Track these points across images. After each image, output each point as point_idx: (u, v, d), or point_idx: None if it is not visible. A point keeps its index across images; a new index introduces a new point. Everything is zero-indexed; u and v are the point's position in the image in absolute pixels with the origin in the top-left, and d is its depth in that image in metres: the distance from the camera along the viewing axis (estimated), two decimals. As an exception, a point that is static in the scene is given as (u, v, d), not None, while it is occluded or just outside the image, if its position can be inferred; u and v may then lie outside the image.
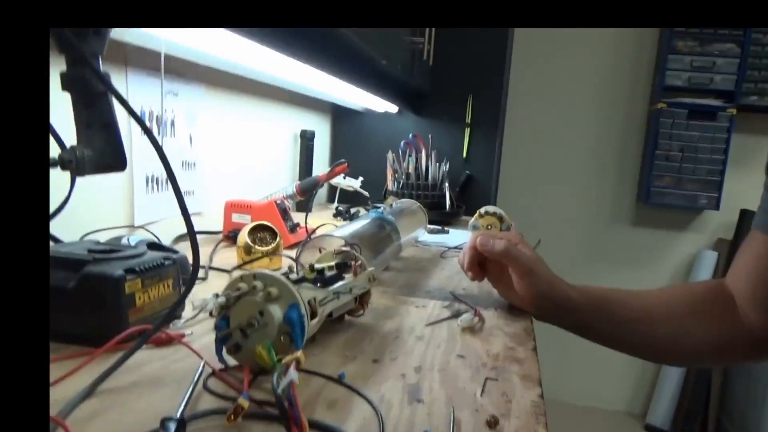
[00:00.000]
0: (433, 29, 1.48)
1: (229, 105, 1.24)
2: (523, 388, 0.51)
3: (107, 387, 0.43)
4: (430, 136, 1.67)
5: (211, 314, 0.46)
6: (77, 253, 0.53)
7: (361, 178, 1.69)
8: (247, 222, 1.02)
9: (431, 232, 1.31)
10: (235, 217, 1.04)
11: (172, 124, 0.97)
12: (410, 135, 1.65)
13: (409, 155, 1.57)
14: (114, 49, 0.80)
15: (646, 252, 2.62)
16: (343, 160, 1.19)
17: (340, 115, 1.95)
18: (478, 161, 1.87)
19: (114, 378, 0.44)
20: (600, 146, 2.59)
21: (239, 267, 0.84)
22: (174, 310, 0.47)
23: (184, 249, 0.95)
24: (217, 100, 1.18)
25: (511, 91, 2.42)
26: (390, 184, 1.59)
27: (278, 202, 1.04)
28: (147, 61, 0.88)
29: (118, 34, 0.74)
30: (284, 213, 1.04)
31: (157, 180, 0.95)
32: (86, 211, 0.82)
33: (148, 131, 0.39)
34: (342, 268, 0.62)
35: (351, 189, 1.68)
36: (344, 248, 0.66)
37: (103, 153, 0.40)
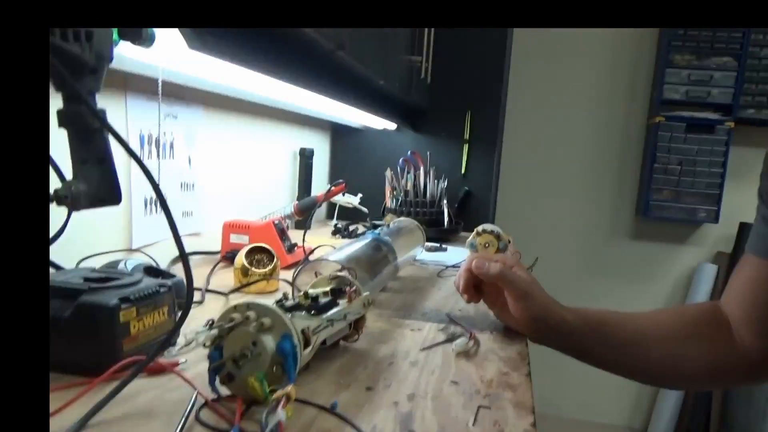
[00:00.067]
0: (431, 47, 1.49)
1: (228, 126, 1.25)
2: (516, 416, 0.51)
3: (99, 420, 0.43)
4: (428, 153, 1.68)
5: (204, 345, 0.46)
6: (73, 282, 0.53)
7: (360, 195, 1.69)
8: (245, 242, 1.03)
9: (429, 249, 1.31)
10: (233, 238, 1.04)
11: (171, 146, 0.98)
12: (408, 152, 1.66)
13: (408, 172, 1.57)
14: (114, 75, 0.81)
15: (645, 265, 2.62)
16: (341, 180, 1.20)
17: (339, 133, 1.96)
18: (477, 177, 1.88)
19: (106, 410, 0.44)
20: (599, 160, 2.60)
21: (236, 290, 0.85)
22: (167, 341, 0.48)
23: (182, 271, 0.96)
24: (216, 121, 1.19)
25: (510, 106, 2.44)
26: (389, 202, 1.60)
27: (276, 222, 1.05)
28: (146, 86, 0.89)
29: (118, 63, 0.75)
30: (282, 233, 1.05)
31: (155, 202, 0.96)
32: (84, 234, 0.83)
33: (139, 162, 0.39)
34: (337, 293, 0.62)
35: (350, 206, 1.68)
36: (339, 273, 0.67)
37: (98, 188, 0.41)
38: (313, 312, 0.56)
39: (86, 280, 0.55)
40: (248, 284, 0.85)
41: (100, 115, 0.40)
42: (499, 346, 0.71)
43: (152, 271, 0.74)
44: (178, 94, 1.00)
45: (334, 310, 0.58)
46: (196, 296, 0.81)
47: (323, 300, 0.60)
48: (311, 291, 0.62)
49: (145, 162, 0.93)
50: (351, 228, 1.54)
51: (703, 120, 2.35)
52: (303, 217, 1.20)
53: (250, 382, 0.45)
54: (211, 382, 0.48)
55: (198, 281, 0.89)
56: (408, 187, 1.55)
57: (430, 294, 0.95)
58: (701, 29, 2.30)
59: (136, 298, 0.53)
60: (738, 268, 0.69)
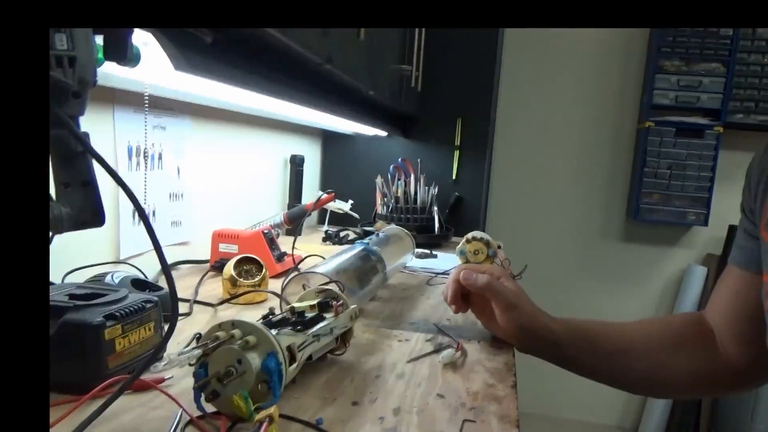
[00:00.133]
0: (422, 55, 1.50)
1: (217, 135, 1.25)
2: (501, 430, 0.51)
3: (85, 439, 0.44)
4: (419, 160, 1.68)
5: (189, 364, 0.47)
6: (58, 299, 0.53)
7: (351, 201, 1.70)
8: (235, 251, 1.03)
9: (419, 256, 1.32)
10: (222, 247, 1.04)
11: (160, 156, 0.98)
12: (399, 159, 1.67)
13: (399, 179, 1.58)
14: (101, 89, 0.81)
15: (636, 267, 2.64)
16: (330, 190, 1.20)
17: (330, 139, 1.96)
18: (468, 182, 1.89)
19: (92, 428, 0.44)
20: (589, 164, 2.62)
21: (225, 302, 0.85)
22: (152, 359, 0.48)
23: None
24: (205, 131, 1.19)
25: (500, 112, 2.45)
26: (379, 208, 1.60)
27: (265, 231, 1.05)
28: (134, 99, 0.89)
29: (105, 80, 0.75)
30: (271, 242, 1.05)
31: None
32: (71, 244, 0.83)
33: (123, 185, 0.39)
34: (324, 307, 0.63)
35: (341, 212, 1.69)
36: (326, 287, 0.67)
37: (81, 210, 0.41)
38: (299, 328, 0.56)
39: (71, 297, 0.55)
40: (237, 296, 0.85)
41: (84, 139, 0.40)
42: (486, 356, 0.71)
43: (139, 283, 0.74)
44: (167, 105, 1.00)
45: (321, 324, 0.59)
46: (185, 308, 0.81)
47: (310, 314, 0.61)
48: (297, 305, 0.62)
49: (133, 173, 0.93)
50: (342, 234, 1.55)
51: (692, 125, 2.37)
52: (293, 226, 1.21)
53: (235, 401, 0.45)
54: (197, 400, 0.48)
55: (187, 291, 0.90)
56: (398, 194, 1.55)
57: (419, 302, 0.96)
58: (690, 36, 2.32)
59: (121, 315, 0.54)
60: (721, 279, 0.70)
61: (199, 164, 1.16)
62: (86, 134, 0.41)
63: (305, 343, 0.54)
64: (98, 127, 0.86)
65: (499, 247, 1.32)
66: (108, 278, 0.72)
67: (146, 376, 0.54)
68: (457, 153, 1.87)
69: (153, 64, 0.54)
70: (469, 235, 1.18)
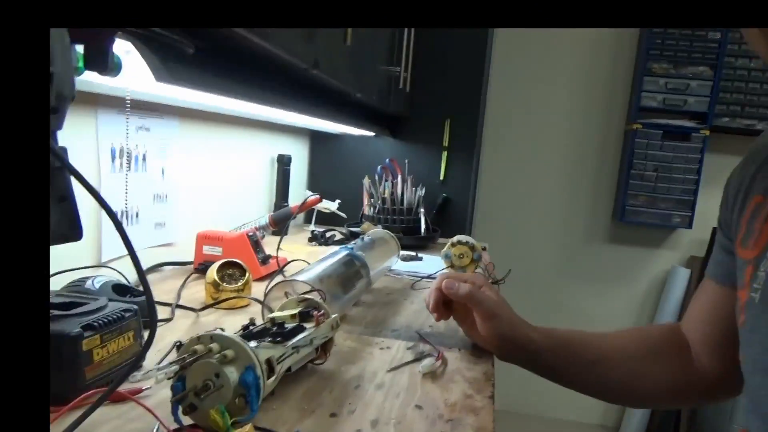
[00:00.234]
0: (410, 56, 1.50)
1: (203, 136, 1.24)
2: (476, 443, 0.52)
3: (60, 453, 0.44)
4: (406, 161, 1.68)
5: (167, 378, 0.47)
6: (36, 309, 0.53)
7: (338, 201, 1.70)
8: (219, 254, 1.03)
9: (405, 259, 1.32)
10: (206, 249, 1.04)
11: (144, 158, 0.97)
12: (387, 160, 1.67)
13: (386, 180, 1.58)
14: (84, 93, 0.80)
15: (621, 268, 2.67)
16: (316, 193, 1.20)
17: (317, 139, 1.96)
18: (456, 183, 1.89)
19: (67, 443, 0.44)
20: (577, 166, 2.64)
21: (207, 307, 0.85)
22: (130, 371, 0.48)
23: (152, 283, 0.95)
24: (191, 132, 1.18)
25: (489, 113, 2.45)
26: (366, 209, 1.60)
27: (250, 234, 1.05)
28: (117, 101, 0.89)
29: (87, 87, 0.75)
30: (256, 245, 1.05)
31: (126, 214, 0.95)
32: (52, 247, 0.82)
33: (101, 201, 0.39)
34: (304, 317, 0.63)
35: (328, 211, 1.69)
36: (308, 296, 0.67)
37: (59, 224, 0.41)
38: (279, 339, 0.56)
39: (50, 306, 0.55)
40: (219, 301, 0.85)
41: (61, 155, 0.39)
42: (466, 365, 0.72)
43: (121, 288, 0.74)
44: (152, 107, 1.00)
45: (301, 336, 0.59)
46: (166, 313, 0.81)
47: (290, 325, 0.61)
48: (278, 315, 0.62)
49: (116, 174, 0.92)
50: (328, 235, 1.55)
51: (679, 128, 2.40)
52: (278, 228, 1.20)
53: (212, 415, 0.45)
54: (174, 413, 0.48)
55: (169, 295, 0.89)
56: (385, 195, 1.55)
57: (402, 308, 0.96)
58: (679, 39, 2.34)
59: (99, 325, 0.53)
60: (697, 292, 0.71)
61: (185, 165, 1.15)
62: (64, 149, 0.41)
63: (284, 355, 0.55)
64: (80, 129, 0.85)
65: (484, 249, 1.33)
66: (89, 283, 0.72)
67: (124, 387, 0.54)
68: (445, 154, 1.87)
69: (135, 73, 0.54)
70: (454, 239, 1.19)
